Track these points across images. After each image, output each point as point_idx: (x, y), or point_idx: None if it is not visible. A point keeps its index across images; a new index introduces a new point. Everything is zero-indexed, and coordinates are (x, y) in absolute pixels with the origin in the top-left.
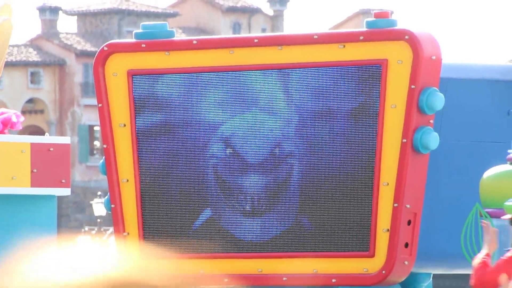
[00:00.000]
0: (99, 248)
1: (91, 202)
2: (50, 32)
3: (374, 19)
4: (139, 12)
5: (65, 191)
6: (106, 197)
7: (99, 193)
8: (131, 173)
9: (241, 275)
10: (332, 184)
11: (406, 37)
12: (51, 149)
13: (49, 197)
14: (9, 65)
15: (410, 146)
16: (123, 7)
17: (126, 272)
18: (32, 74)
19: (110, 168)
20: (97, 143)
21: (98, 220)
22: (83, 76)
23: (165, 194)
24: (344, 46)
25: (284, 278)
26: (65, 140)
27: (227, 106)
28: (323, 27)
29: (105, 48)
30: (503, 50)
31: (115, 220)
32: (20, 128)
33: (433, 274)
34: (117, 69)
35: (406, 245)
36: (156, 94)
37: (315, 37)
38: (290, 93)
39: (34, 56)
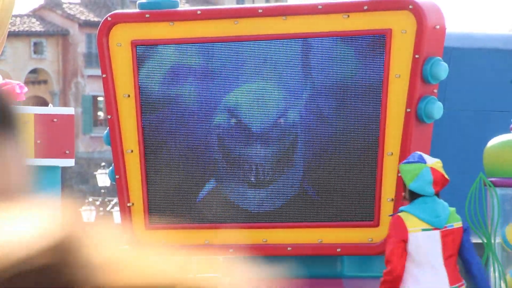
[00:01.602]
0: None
1: (95, 173)
2: (53, 2)
3: None
4: None
5: (69, 162)
6: (111, 167)
7: (103, 164)
8: (136, 144)
9: (246, 245)
10: (336, 154)
11: (410, 6)
12: (55, 120)
13: (53, 168)
14: (12, 35)
15: (414, 115)
16: None
17: (130, 243)
18: (35, 44)
19: (114, 138)
20: (101, 114)
21: (102, 191)
22: (86, 47)
23: (169, 164)
24: (348, 16)
25: (288, 248)
26: (69, 111)
27: (232, 76)
28: None
29: (109, 19)
30: (506, 19)
31: (119, 190)
32: (24, 99)
33: None
34: (121, 39)
35: None
36: (160, 65)
37: (320, 7)
38: (294, 63)
39: (37, 26)
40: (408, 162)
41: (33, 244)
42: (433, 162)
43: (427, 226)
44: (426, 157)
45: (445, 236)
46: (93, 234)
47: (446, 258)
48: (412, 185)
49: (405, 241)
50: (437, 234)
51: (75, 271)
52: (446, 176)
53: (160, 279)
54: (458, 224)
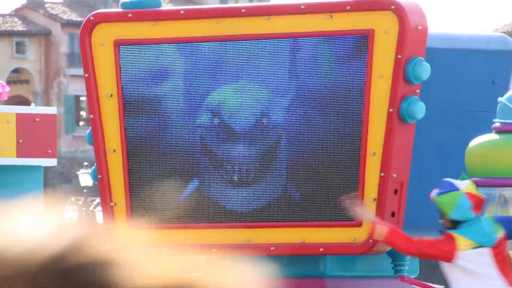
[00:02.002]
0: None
1: (78, 172)
2: (35, 1)
3: None
4: None
5: (52, 162)
6: (93, 167)
7: (85, 163)
8: (118, 143)
9: (229, 245)
10: (319, 154)
11: (392, 7)
12: (37, 119)
13: (36, 167)
14: None
15: (397, 115)
16: None
17: (112, 243)
18: (18, 44)
19: (96, 138)
20: (83, 114)
21: (85, 190)
22: (68, 47)
23: (152, 164)
24: (331, 16)
25: (271, 248)
26: (51, 110)
27: (215, 76)
28: None
29: (92, 18)
30: (488, 20)
31: (101, 190)
32: (6, 98)
33: None
34: (104, 39)
35: (393, 214)
36: (143, 64)
37: (302, 7)
38: (277, 63)
39: (19, 26)
40: (442, 193)
41: (56, 244)
42: (466, 186)
43: (477, 245)
44: (456, 183)
45: (495, 249)
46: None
47: (501, 268)
48: (453, 215)
49: (452, 257)
50: (488, 251)
51: (96, 270)
52: (481, 196)
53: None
54: (500, 232)
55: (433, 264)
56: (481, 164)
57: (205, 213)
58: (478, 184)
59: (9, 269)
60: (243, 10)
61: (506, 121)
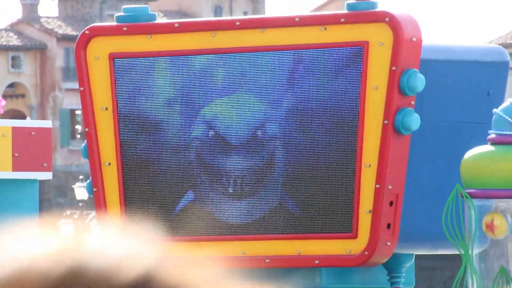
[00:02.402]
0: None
1: (73, 186)
2: (31, 16)
3: (355, 1)
4: None
5: (47, 175)
6: (88, 180)
7: (81, 177)
8: (113, 157)
9: (225, 257)
10: (314, 166)
11: (387, 19)
12: (33, 133)
13: (31, 181)
14: None
15: (392, 127)
16: None
17: (108, 255)
18: (13, 58)
19: (92, 151)
20: (78, 127)
21: (80, 204)
22: (64, 61)
23: (147, 177)
24: (325, 28)
25: (267, 260)
26: (47, 124)
27: (209, 89)
28: (305, 10)
29: (87, 32)
30: (483, 31)
31: (97, 203)
32: (1, 112)
33: (416, 255)
34: (99, 52)
35: (389, 226)
36: (138, 77)
37: (297, 19)
38: (272, 76)
39: (14, 41)
40: None
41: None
42: None
43: None
44: None
45: None
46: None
47: None
48: None
49: None
50: None
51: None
52: None
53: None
54: None
55: (429, 276)
56: (476, 176)
57: (200, 226)
58: (473, 196)
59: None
60: (237, 23)
61: (502, 132)
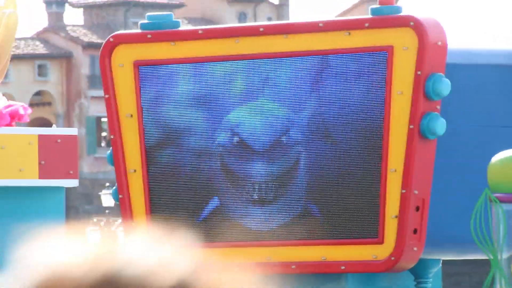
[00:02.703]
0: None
1: (99, 193)
2: (56, 24)
3: (379, 6)
4: (145, 3)
5: (73, 183)
6: (114, 187)
7: (107, 184)
8: (139, 163)
9: (250, 264)
10: (340, 171)
11: (411, 23)
12: (59, 140)
13: (58, 188)
14: (16, 58)
15: (417, 132)
16: None
17: (140, 263)
18: (39, 66)
19: (117, 158)
20: (104, 134)
21: (107, 211)
22: (89, 68)
23: (172, 183)
24: (349, 33)
25: (292, 266)
26: (73, 131)
27: (234, 95)
28: (329, 15)
29: (111, 39)
30: (489, 31)
31: (123, 210)
32: (28, 120)
33: (443, 260)
34: (123, 60)
35: (415, 231)
36: (162, 84)
37: (321, 25)
38: (296, 81)
39: (41, 49)
40: None
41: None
42: None
43: None
44: None
45: None
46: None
47: None
48: None
49: None
50: None
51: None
52: None
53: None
54: None
55: (457, 282)
56: (504, 180)
57: (225, 232)
58: (501, 200)
59: None
60: (261, 29)
61: None
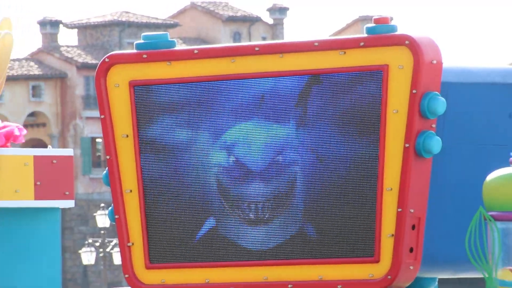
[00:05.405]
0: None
1: (95, 214)
2: (51, 45)
3: (374, 25)
4: (140, 24)
5: (69, 203)
6: (110, 208)
7: (102, 205)
8: (135, 184)
9: (247, 283)
10: (335, 190)
11: (407, 42)
12: (54, 161)
13: (53, 209)
14: (11, 79)
15: (413, 150)
16: (123, 19)
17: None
18: (34, 87)
19: (113, 178)
20: (99, 155)
21: (102, 232)
22: (84, 89)
23: (168, 203)
24: (344, 52)
25: (289, 286)
26: (68, 152)
27: (229, 114)
28: (323, 35)
29: (107, 60)
30: (504, 53)
31: (119, 230)
32: (23, 141)
33: (439, 279)
34: (119, 80)
35: (411, 250)
36: (158, 104)
37: (316, 44)
38: (291, 100)
39: (35, 70)
40: None
41: None
42: None
43: None
44: None
45: None
46: None
47: None
48: None
49: None
50: None
51: None
52: None
53: None
54: None
55: None
56: (499, 198)
57: (222, 252)
58: (496, 218)
59: None
60: (256, 48)
61: None
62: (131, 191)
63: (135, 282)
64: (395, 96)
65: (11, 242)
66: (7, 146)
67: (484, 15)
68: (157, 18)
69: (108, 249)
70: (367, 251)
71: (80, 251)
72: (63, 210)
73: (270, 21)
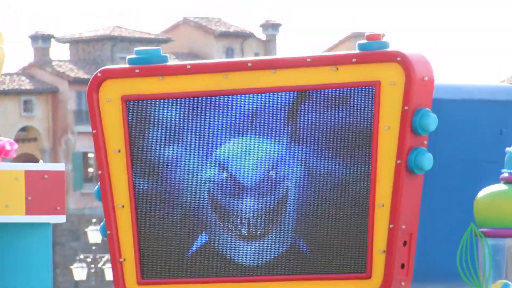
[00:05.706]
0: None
1: (86, 229)
2: (42, 60)
3: (366, 41)
4: (132, 39)
5: (60, 218)
6: (102, 223)
7: (93, 220)
8: (127, 199)
9: None
10: (327, 206)
11: (398, 58)
12: (46, 176)
13: (44, 224)
14: (2, 93)
15: (405, 167)
16: (116, 33)
17: None
18: (25, 102)
19: (105, 194)
20: (91, 170)
21: (93, 247)
22: (76, 104)
23: (161, 219)
24: (337, 68)
25: None
26: (60, 167)
27: (222, 130)
28: (316, 51)
29: (99, 74)
30: (495, 70)
31: (111, 246)
32: (14, 155)
33: None
34: (111, 95)
35: (402, 266)
36: (151, 119)
37: (308, 60)
38: (284, 116)
39: (26, 84)
40: None
41: None
42: None
43: None
44: None
45: None
46: None
47: None
48: None
49: None
50: None
51: None
52: None
53: None
54: None
55: None
56: (490, 215)
57: (214, 267)
58: (487, 235)
59: None
60: (249, 64)
61: None
62: (123, 206)
63: None
64: (387, 113)
65: (1, 257)
66: None
67: (476, 32)
68: (149, 33)
69: (99, 265)
70: (359, 267)
71: (71, 267)
72: (54, 226)
73: (263, 37)
